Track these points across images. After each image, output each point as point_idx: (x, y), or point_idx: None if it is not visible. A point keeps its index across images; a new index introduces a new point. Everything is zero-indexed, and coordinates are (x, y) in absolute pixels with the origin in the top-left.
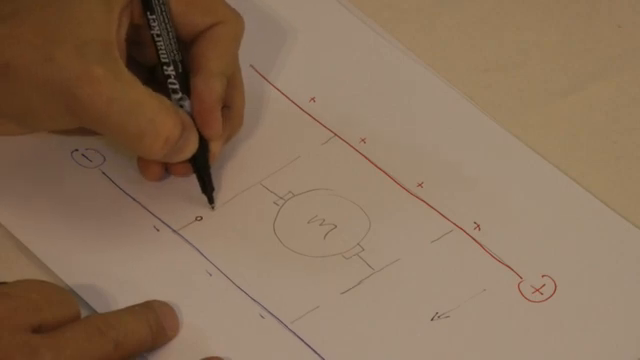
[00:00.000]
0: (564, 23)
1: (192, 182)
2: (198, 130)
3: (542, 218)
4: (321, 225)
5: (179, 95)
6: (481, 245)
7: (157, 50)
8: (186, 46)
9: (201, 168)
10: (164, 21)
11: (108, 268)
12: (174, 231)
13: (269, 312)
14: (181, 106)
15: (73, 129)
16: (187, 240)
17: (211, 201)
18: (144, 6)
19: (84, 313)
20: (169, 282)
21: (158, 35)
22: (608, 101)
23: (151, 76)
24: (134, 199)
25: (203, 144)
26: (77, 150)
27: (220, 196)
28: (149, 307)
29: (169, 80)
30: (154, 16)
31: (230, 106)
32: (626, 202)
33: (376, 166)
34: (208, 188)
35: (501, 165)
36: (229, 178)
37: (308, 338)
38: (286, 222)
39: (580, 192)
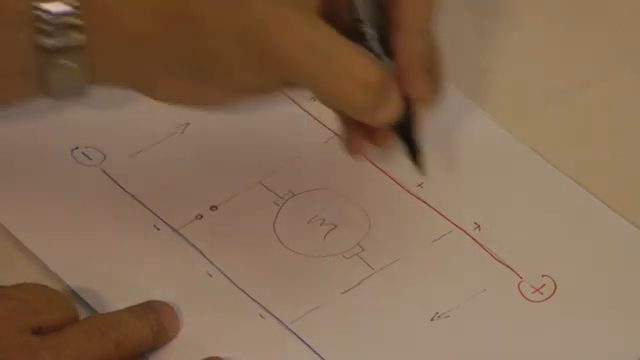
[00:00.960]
0: (564, 23)
1: (192, 179)
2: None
3: (542, 218)
4: (321, 225)
5: (378, 52)
6: (481, 245)
7: (354, 9)
8: (382, 8)
9: (408, 134)
10: None
11: (108, 268)
12: (174, 230)
13: (269, 312)
14: None
15: (265, 86)
16: (187, 239)
17: (424, 172)
18: None
19: (84, 313)
20: (169, 282)
21: None
22: (608, 101)
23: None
24: (134, 197)
25: (408, 108)
26: (77, 148)
27: (220, 195)
28: (149, 307)
29: (367, 37)
30: None
31: (431, 68)
32: (626, 202)
33: (376, 166)
34: (418, 157)
35: (501, 165)
36: (229, 178)
37: (308, 338)
38: (286, 222)
39: (580, 192)
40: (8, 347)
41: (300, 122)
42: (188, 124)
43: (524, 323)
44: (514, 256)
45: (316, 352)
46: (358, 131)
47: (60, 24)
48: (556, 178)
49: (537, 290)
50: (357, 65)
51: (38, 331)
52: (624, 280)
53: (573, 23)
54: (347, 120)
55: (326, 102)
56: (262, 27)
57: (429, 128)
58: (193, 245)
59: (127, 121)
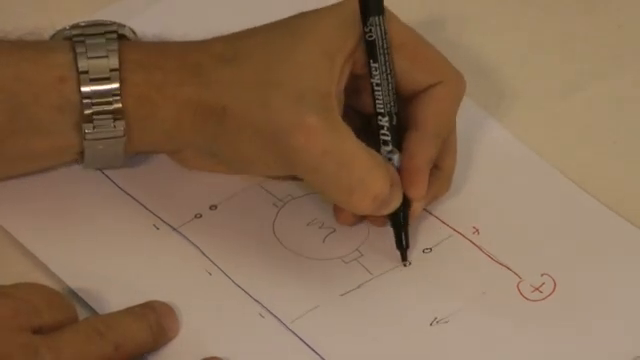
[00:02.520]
0: (564, 23)
1: (191, 179)
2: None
3: (541, 218)
4: (320, 228)
5: (389, 148)
6: (480, 248)
7: (374, 99)
8: (403, 102)
9: (400, 224)
10: (386, 71)
11: (108, 268)
12: (174, 229)
13: (269, 311)
14: (389, 159)
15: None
16: (187, 238)
17: (404, 258)
18: (368, 54)
19: (84, 314)
20: (169, 282)
21: (378, 84)
22: (608, 101)
23: (365, 125)
24: (133, 198)
25: (406, 201)
26: None
27: (219, 195)
28: (149, 308)
29: (381, 131)
30: (377, 64)
31: (440, 167)
32: (626, 202)
33: None
34: (404, 245)
35: (500, 167)
36: (228, 177)
37: (308, 338)
38: (285, 223)
39: (580, 192)
40: (8, 347)
41: None
42: None
43: (524, 323)
44: (513, 256)
45: (316, 352)
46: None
47: (102, 111)
48: (555, 178)
49: (536, 289)
50: (370, 178)
51: (38, 331)
52: (623, 279)
53: (573, 23)
54: None
55: (333, 201)
56: (281, 128)
57: None
58: (193, 244)
59: None
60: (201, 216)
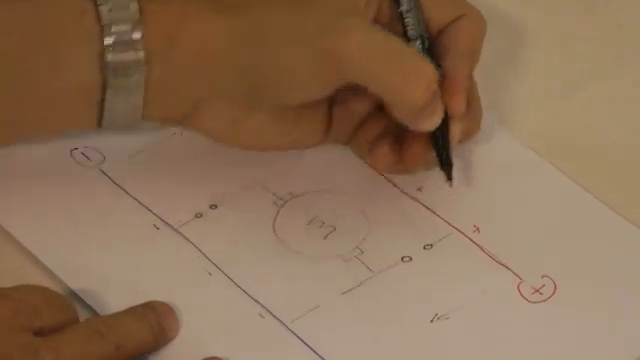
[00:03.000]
0: (564, 23)
1: (191, 177)
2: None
3: (541, 218)
4: (321, 227)
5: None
6: (480, 247)
7: (404, 27)
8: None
9: (442, 143)
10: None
11: (108, 268)
12: (174, 229)
13: (269, 311)
14: None
15: (321, 96)
16: (187, 238)
17: (449, 177)
18: None
19: (84, 314)
20: (169, 282)
21: (407, 11)
22: (608, 101)
23: None
24: (134, 197)
25: (446, 119)
26: (76, 149)
27: (219, 194)
28: (150, 308)
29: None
30: None
31: (470, 104)
32: (626, 202)
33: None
34: (447, 164)
35: (500, 166)
36: (228, 177)
37: (308, 338)
38: (286, 222)
39: (580, 192)
40: (9, 348)
41: None
42: None
43: (524, 324)
44: (513, 257)
45: (316, 352)
46: (387, 144)
47: (123, 41)
48: (555, 178)
49: (537, 291)
50: (422, 64)
51: (39, 332)
52: (624, 280)
53: (573, 23)
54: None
55: (387, 99)
56: (326, 31)
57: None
58: (193, 244)
59: None
60: (201, 215)
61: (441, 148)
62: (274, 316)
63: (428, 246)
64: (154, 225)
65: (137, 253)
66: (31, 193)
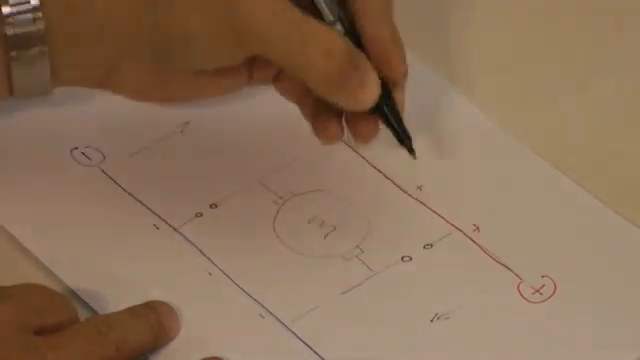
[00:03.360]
0: (564, 23)
1: (191, 177)
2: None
3: (541, 218)
4: (321, 226)
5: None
6: (480, 247)
7: (321, 11)
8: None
9: (390, 115)
10: None
11: (108, 268)
12: (174, 229)
13: (269, 311)
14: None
15: (230, 63)
16: (187, 238)
17: (411, 151)
18: None
19: (84, 314)
20: (169, 282)
21: None
22: (608, 101)
23: None
24: (134, 197)
25: (386, 91)
26: (77, 148)
27: (219, 194)
28: (150, 307)
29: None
30: None
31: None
32: (626, 202)
33: (376, 168)
34: (404, 137)
35: (500, 166)
36: (228, 176)
37: (308, 338)
38: (286, 221)
39: (580, 192)
40: (10, 347)
41: (300, 123)
42: (187, 123)
43: (524, 324)
44: (513, 257)
45: (316, 352)
46: (333, 116)
47: (22, 11)
48: (555, 178)
49: (537, 291)
50: (322, 33)
51: (40, 332)
52: (624, 280)
53: (574, 23)
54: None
55: (292, 72)
56: (232, 2)
57: (428, 130)
58: (193, 244)
59: (126, 121)
60: (201, 215)
61: (392, 122)
62: (274, 316)
63: (428, 246)
64: (154, 225)
65: (137, 253)
66: (31, 193)
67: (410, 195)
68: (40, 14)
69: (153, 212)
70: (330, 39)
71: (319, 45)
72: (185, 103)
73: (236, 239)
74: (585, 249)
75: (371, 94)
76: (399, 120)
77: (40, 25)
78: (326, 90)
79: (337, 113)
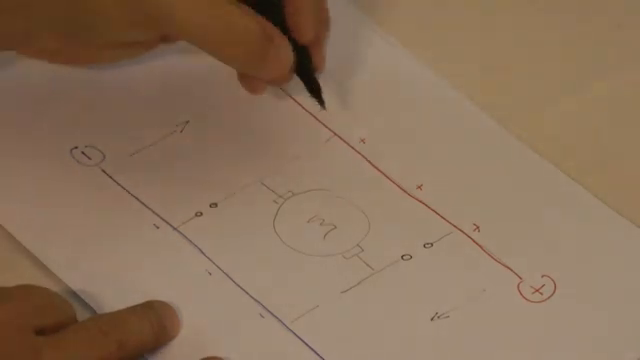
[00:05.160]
0: (564, 23)
1: (191, 176)
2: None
3: (541, 218)
4: (321, 225)
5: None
6: (480, 246)
7: None
8: None
9: (304, 70)
10: None
11: (108, 268)
12: (174, 228)
13: (269, 311)
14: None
15: (143, 41)
16: (187, 238)
17: (321, 102)
18: None
19: (84, 314)
20: (169, 281)
21: None
22: (608, 101)
23: None
24: (134, 196)
25: (303, 52)
26: (76, 148)
27: (219, 193)
28: (150, 307)
29: None
30: None
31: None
32: (626, 202)
33: (375, 167)
34: (315, 90)
35: (500, 166)
36: (228, 175)
37: (308, 338)
38: (286, 220)
39: (580, 192)
40: (11, 347)
41: (300, 122)
42: (187, 122)
43: (524, 323)
44: (513, 257)
45: (316, 352)
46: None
47: None
48: (556, 178)
49: (537, 290)
50: (235, 18)
51: (41, 332)
52: (624, 280)
53: (573, 23)
54: None
55: (208, 53)
56: None
57: (429, 129)
58: (193, 243)
59: (126, 120)
60: (201, 214)
61: (304, 75)
62: (274, 316)
63: (428, 244)
64: (154, 224)
65: (137, 252)
66: (31, 192)
67: (410, 195)
68: None
69: (153, 211)
70: (247, 29)
71: (234, 35)
72: (103, 65)
73: (236, 238)
74: (585, 249)
75: (286, 66)
76: (311, 74)
77: None
78: (243, 69)
79: None
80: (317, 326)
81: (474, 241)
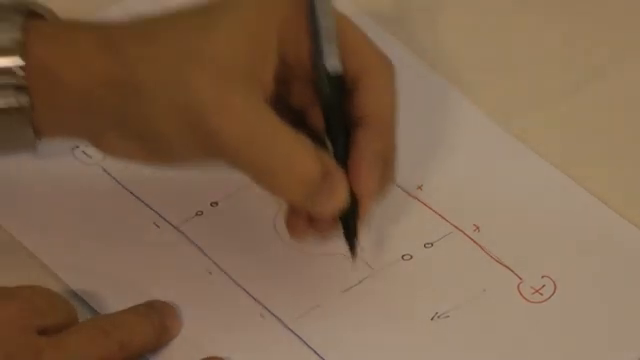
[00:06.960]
0: (564, 23)
1: (192, 176)
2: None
3: (542, 218)
4: None
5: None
6: (481, 247)
7: (322, 99)
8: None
9: (347, 227)
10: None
11: (108, 268)
12: (175, 227)
13: (269, 311)
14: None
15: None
16: (188, 237)
17: (353, 252)
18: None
19: (84, 314)
20: (169, 281)
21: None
22: (608, 101)
23: (299, 118)
24: (135, 195)
25: (354, 200)
26: (78, 147)
27: (220, 192)
28: (152, 307)
29: (331, 131)
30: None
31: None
32: (626, 202)
33: None
34: (352, 239)
35: (501, 166)
36: (229, 174)
37: (308, 337)
38: None
39: (580, 192)
40: (13, 347)
41: None
42: None
43: (524, 324)
44: (514, 257)
45: (316, 352)
46: (302, 214)
47: (5, 85)
48: (556, 178)
49: (537, 291)
50: (294, 158)
51: (42, 332)
52: (624, 280)
53: (573, 23)
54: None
55: (264, 188)
56: (201, 108)
57: (429, 130)
58: (193, 242)
59: None
60: (202, 213)
61: (348, 223)
62: (274, 316)
63: (428, 244)
64: (154, 223)
65: (138, 252)
66: (32, 191)
67: (411, 195)
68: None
69: (154, 210)
70: (303, 166)
71: (291, 173)
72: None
73: (237, 237)
74: (585, 249)
75: (336, 203)
76: (354, 224)
77: (24, 100)
78: (295, 205)
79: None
80: (318, 325)
81: (474, 241)
